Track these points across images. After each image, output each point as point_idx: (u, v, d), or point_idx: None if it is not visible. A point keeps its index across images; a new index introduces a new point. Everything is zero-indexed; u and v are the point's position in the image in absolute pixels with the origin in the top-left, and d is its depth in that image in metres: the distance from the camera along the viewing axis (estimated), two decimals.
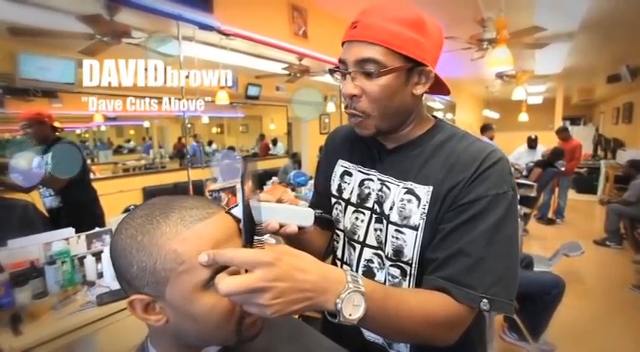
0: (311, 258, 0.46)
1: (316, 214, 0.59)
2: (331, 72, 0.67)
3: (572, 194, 5.36)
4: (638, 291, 2.94)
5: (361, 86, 0.61)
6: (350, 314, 0.45)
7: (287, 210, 0.57)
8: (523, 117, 6.80)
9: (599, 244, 4.06)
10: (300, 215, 0.58)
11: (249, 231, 0.44)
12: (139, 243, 0.44)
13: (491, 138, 5.02)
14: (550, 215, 5.12)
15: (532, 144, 5.37)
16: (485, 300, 0.55)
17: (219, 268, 0.43)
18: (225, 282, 0.39)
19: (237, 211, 0.48)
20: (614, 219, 4.00)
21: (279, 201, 0.60)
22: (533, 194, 4.14)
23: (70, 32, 2.29)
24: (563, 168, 4.73)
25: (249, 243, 0.44)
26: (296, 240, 0.67)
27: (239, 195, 0.45)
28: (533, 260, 2.35)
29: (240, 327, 0.48)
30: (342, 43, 0.64)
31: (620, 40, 4.62)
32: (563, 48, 4.81)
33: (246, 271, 0.41)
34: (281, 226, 0.56)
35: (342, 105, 4.58)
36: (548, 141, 5.84)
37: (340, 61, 0.64)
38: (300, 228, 0.59)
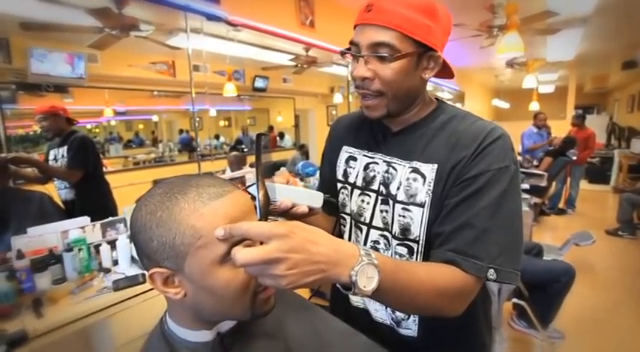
0: (323, 232, 0.47)
1: (325, 197, 0.63)
2: (343, 53, 0.67)
3: (583, 184, 5.25)
4: None
5: (374, 69, 0.63)
6: (364, 286, 0.46)
7: (298, 191, 0.60)
8: (534, 106, 6.66)
9: (612, 234, 4.00)
10: (310, 196, 0.61)
11: (264, 207, 0.46)
12: (158, 219, 0.46)
13: None
14: (561, 205, 5.05)
15: (538, 123, 5.05)
16: (491, 270, 0.57)
17: (235, 243, 0.45)
18: (242, 253, 0.41)
19: (254, 189, 0.50)
20: (627, 209, 3.93)
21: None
22: (543, 183, 4.09)
23: (79, 26, 2.32)
24: (574, 158, 4.64)
25: (264, 217, 0.46)
26: (303, 218, 0.69)
27: (255, 172, 0.47)
28: (544, 249, 2.34)
29: (254, 302, 0.50)
30: (355, 26, 0.65)
31: (636, 24, 4.47)
32: (576, 33, 4.68)
33: (261, 244, 0.43)
34: (293, 206, 0.58)
35: (349, 89, 4.56)
36: (560, 131, 5.73)
37: (352, 43, 0.65)
38: (310, 209, 0.62)
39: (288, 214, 0.61)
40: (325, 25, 3.22)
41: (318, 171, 3.23)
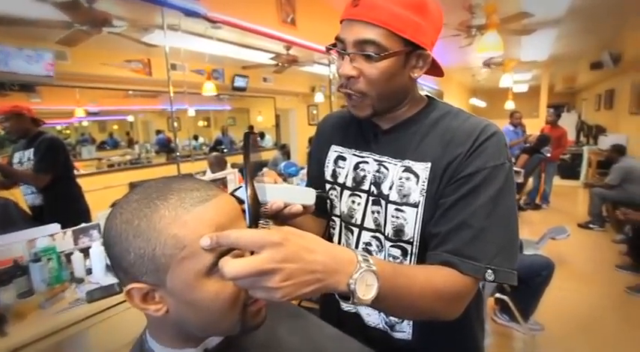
0: (318, 238, 0.44)
1: (317, 193, 0.59)
2: (328, 49, 0.65)
3: (556, 180, 5.48)
4: (621, 271, 3.04)
5: (359, 68, 0.60)
6: (364, 295, 0.44)
7: (288, 189, 0.57)
8: (509, 105, 6.89)
9: (583, 227, 4.18)
10: (301, 194, 0.58)
11: (254, 211, 0.42)
12: (135, 229, 0.41)
13: None
14: (537, 200, 5.24)
15: (514, 121, 5.24)
16: (489, 271, 0.56)
17: (223, 252, 0.41)
18: (231, 265, 0.37)
19: (241, 193, 0.46)
20: (597, 203, 4.12)
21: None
22: (520, 180, 4.22)
23: (46, 21, 2.18)
24: (548, 155, 4.82)
25: (254, 223, 0.42)
26: (296, 223, 0.65)
27: (244, 173, 0.43)
28: (523, 243, 2.40)
29: (244, 315, 0.46)
30: (341, 21, 0.62)
31: (603, 26, 4.70)
32: (549, 34, 4.86)
33: (252, 254, 0.39)
34: (285, 206, 0.55)
35: (331, 88, 4.54)
36: (533, 129, 5.94)
37: (338, 39, 0.62)
38: (303, 207, 0.58)
39: (281, 215, 0.58)
40: (307, 23, 3.19)
41: (300, 171, 3.19)
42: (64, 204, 2.04)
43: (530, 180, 5.07)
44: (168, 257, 0.40)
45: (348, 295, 0.43)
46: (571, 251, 3.51)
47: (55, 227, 1.55)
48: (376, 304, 0.46)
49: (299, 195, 0.57)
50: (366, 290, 0.44)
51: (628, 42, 4.94)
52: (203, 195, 0.43)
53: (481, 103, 10.48)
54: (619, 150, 4.16)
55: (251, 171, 0.42)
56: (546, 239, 2.54)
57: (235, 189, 0.48)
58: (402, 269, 0.55)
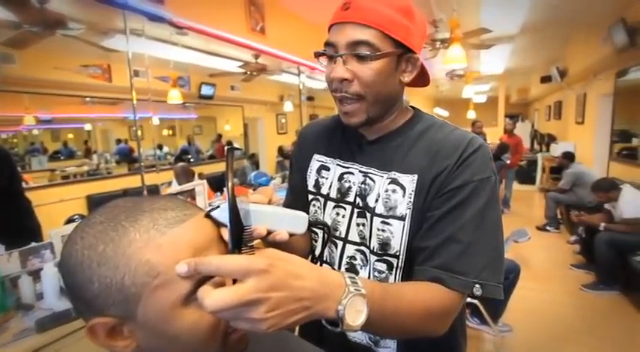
0: (305, 261, 0.41)
1: (311, 219, 0.51)
2: (317, 55, 0.62)
3: (515, 185, 5.82)
4: (576, 270, 3.25)
5: (353, 70, 0.58)
6: (353, 321, 0.41)
7: (278, 213, 0.49)
8: (471, 114, 7.27)
9: (541, 229, 4.44)
10: (292, 220, 0.49)
11: (236, 235, 0.38)
12: (100, 255, 0.36)
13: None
14: None
15: (476, 130, 5.54)
16: (477, 286, 0.55)
17: (202, 279, 0.37)
18: (212, 297, 0.33)
19: (219, 213, 0.41)
20: (552, 206, 4.40)
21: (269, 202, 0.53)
22: None
23: None
24: (508, 161, 5.11)
25: (236, 248, 0.38)
26: (279, 245, 0.61)
27: (226, 192, 0.39)
28: None
29: (225, 345, 0.42)
30: (330, 26, 0.60)
31: (552, 43, 5.11)
32: (505, 50, 5.21)
33: (234, 281, 0.35)
34: (269, 232, 0.47)
35: (300, 99, 4.54)
36: (493, 137, 6.29)
37: (328, 43, 0.60)
38: (290, 234, 0.50)
39: (265, 240, 0.53)
40: (277, 32, 3.17)
41: (271, 181, 3.13)
42: (10, 221, 1.85)
43: None
44: (140, 286, 0.36)
45: (337, 321, 0.41)
46: (531, 252, 3.71)
47: None
48: (365, 327, 0.44)
49: (288, 221, 0.49)
50: (356, 315, 0.42)
51: (572, 58, 5.40)
52: (179, 215, 0.39)
53: (444, 113, 10.98)
54: (569, 157, 4.50)
55: (233, 191, 0.38)
56: (510, 242, 2.66)
57: (211, 210, 0.43)
58: (391, 289, 0.52)
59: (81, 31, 2.16)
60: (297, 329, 0.87)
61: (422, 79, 0.68)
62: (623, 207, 2.86)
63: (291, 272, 0.38)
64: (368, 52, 0.56)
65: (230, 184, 0.38)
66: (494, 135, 6.66)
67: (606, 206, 3.13)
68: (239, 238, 0.39)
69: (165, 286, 0.36)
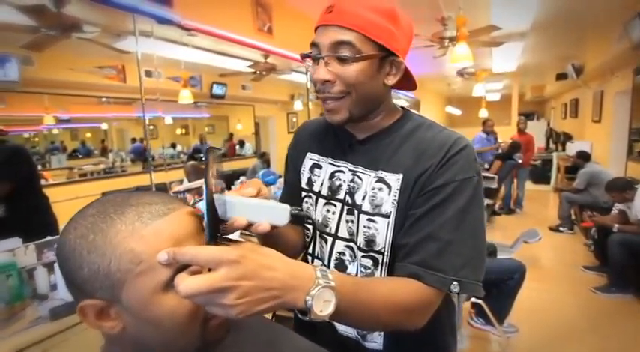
0: (279, 255, 0.44)
1: (292, 211, 0.50)
2: (303, 57, 0.65)
3: (528, 185, 5.71)
4: (588, 272, 3.18)
5: (335, 71, 0.60)
6: (321, 311, 0.44)
7: (258, 206, 0.49)
8: (483, 113, 7.16)
9: (554, 230, 4.35)
10: (273, 212, 0.50)
11: (213, 227, 0.42)
12: (90, 244, 0.40)
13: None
14: (511, 205, 5.42)
15: (487, 129, 5.48)
16: (455, 283, 0.57)
17: (181, 268, 0.40)
18: (186, 283, 0.36)
19: (203, 205, 0.45)
20: (565, 207, 4.30)
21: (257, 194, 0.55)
22: (494, 186, 4.36)
23: (10, 24, 2.09)
24: (520, 161, 5.02)
25: (212, 240, 0.41)
26: (270, 237, 0.63)
27: (203, 187, 0.42)
28: (497, 248, 2.47)
29: (205, 330, 0.45)
30: (316, 28, 0.63)
31: (566, 40, 4.98)
32: (517, 47, 5.10)
33: (209, 270, 0.39)
34: (250, 224, 0.49)
35: (308, 96, 4.57)
36: (505, 136, 6.18)
37: (313, 44, 0.62)
38: (273, 226, 0.51)
39: (249, 232, 0.56)
40: (284, 32, 3.21)
41: (278, 180, 3.17)
42: (28, 216, 1.94)
43: (503, 185, 5.26)
44: (124, 272, 0.39)
45: (306, 310, 0.43)
46: (543, 253, 3.64)
47: (15, 241, 1.46)
48: (336, 318, 0.46)
49: (271, 212, 0.49)
50: (324, 306, 0.44)
51: (589, 55, 5.25)
52: (162, 209, 0.43)
53: (456, 111, 10.81)
54: (584, 157, 4.38)
55: (210, 186, 0.41)
56: (520, 243, 2.63)
57: (196, 202, 0.46)
58: (364, 283, 0.55)
59: (95, 34, 2.25)
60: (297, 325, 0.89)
61: (408, 82, 0.69)
62: (638, 208, 2.78)
63: (263, 264, 0.41)
64: (349, 54, 0.58)
65: (207, 180, 0.41)
66: (507, 134, 6.53)
67: (621, 206, 3.04)
68: (216, 230, 0.42)
69: (147, 273, 0.40)
